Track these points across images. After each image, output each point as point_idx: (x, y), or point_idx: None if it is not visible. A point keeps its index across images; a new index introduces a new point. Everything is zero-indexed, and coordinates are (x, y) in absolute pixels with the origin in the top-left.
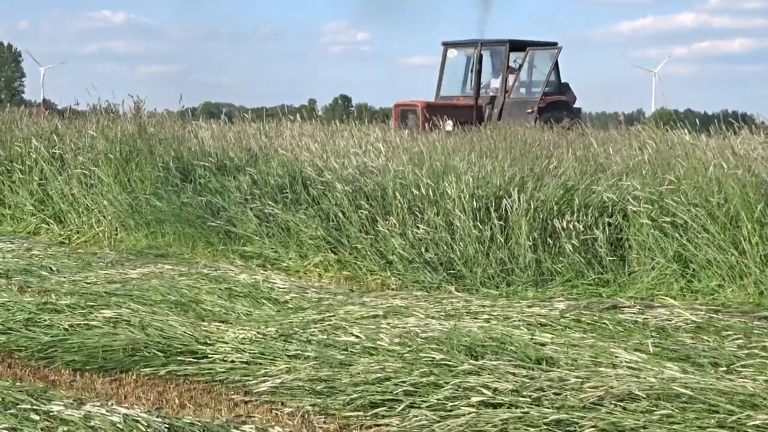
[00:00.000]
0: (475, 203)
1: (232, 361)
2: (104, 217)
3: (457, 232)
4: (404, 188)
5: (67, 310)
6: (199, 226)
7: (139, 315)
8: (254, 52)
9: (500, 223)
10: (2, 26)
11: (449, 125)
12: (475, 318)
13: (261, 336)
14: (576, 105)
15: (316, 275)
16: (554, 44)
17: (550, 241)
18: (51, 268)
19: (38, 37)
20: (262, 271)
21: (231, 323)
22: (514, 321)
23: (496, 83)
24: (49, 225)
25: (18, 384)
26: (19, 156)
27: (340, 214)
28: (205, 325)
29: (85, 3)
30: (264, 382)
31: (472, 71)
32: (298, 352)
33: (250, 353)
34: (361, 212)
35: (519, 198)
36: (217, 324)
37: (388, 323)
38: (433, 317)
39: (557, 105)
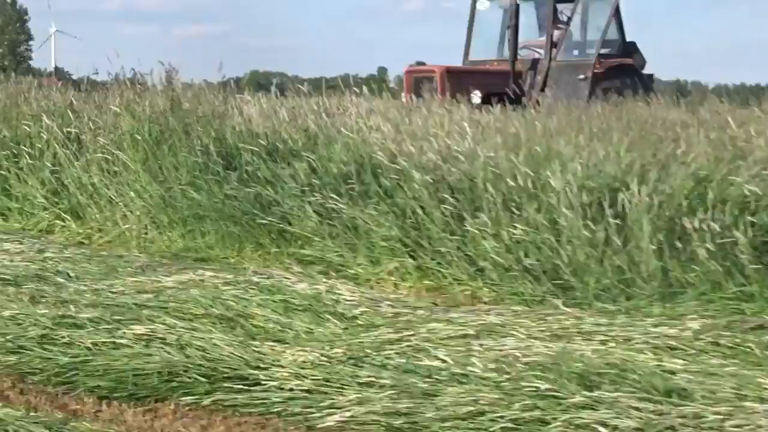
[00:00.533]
0: (584, 197)
1: (291, 390)
2: (131, 212)
3: (564, 233)
4: (497, 178)
5: (89, 326)
6: (246, 223)
7: (177, 332)
8: (312, 10)
9: (616, 222)
10: None
11: (476, 96)
12: (588, 339)
13: (325, 359)
14: (647, 70)
15: (391, 285)
16: None
17: (679, 245)
18: (68, 275)
19: None
20: (324, 280)
21: (288, 343)
22: (637, 343)
23: (538, 42)
24: (64, 221)
25: (33, 414)
26: (28, 137)
27: (419, 210)
28: (256, 344)
29: None
30: (330, 415)
31: (508, 27)
32: (371, 379)
33: (312, 380)
34: (445, 208)
35: (639, 191)
36: (272, 344)
37: (481, 345)
38: (536, 338)
39: (621, 70)
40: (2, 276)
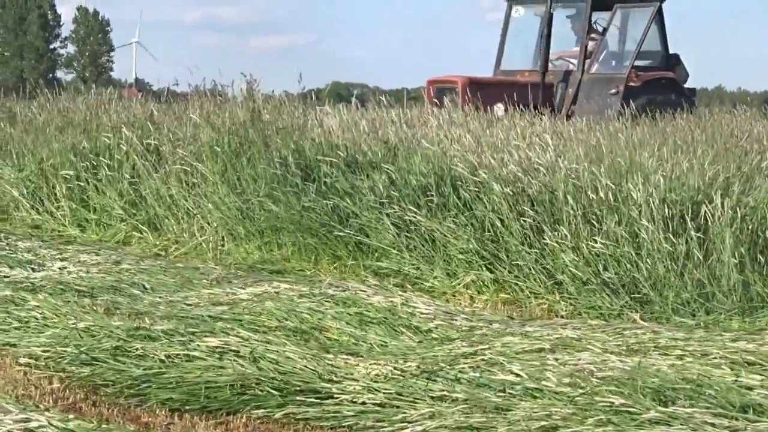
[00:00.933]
0: (666, 210)
1: (363, 403)
2: (209, 223)
3: (644, 247)
4: (578, 191)
5: (163, 338)
6: (323, 235)
7: (251, 344)
8: (394, 19)
9: (698, 235)
10: None
11: (500, 109)
12: (665, 354)
13: (399, 372)
14: (688, 84)
15: (467, 298)
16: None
17: (761, 258)
18: (144, 286)
19: (130, 2)
20: (400, 293)
21: (362, 356)
22: (715, 358)
23: (573, 53)
24: (141, 233)
25: (105, 426)
26: (107, 148)
27: (498, 223)
28: (330, 358)
29: None
30: (402, 429)
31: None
32: (445, 392)
33: (385, 393)
34: (524, 220)
35: (723, 204)
36: (345, 357)
37: (556, 359)
38: (612, 352)
39: (661, 84)
40: (78, 287)
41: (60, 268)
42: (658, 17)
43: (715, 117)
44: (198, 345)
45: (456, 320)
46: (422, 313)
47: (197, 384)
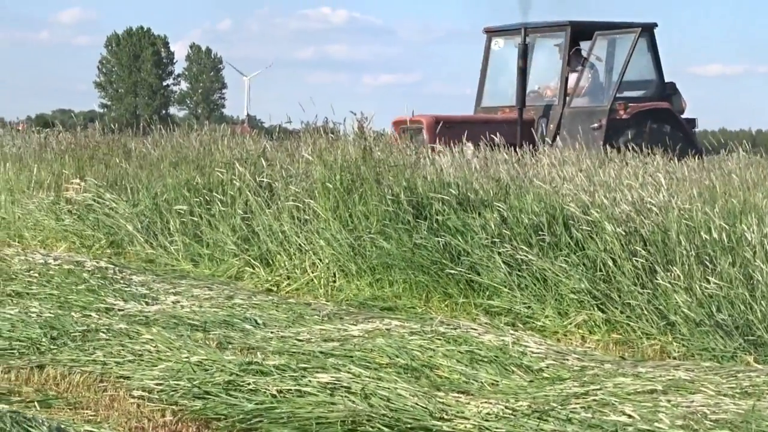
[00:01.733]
0: None
1: None
2: (320, 260)
3: (758, 288)
4: (691, 231)
5: (275, 373)
6: (434, 273)
7: (362, 381)
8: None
9: None
10: (200, 27)
11: (468, 149)
12: None
13: (509, 412)
14: (687, 114)
15: (578, 337)
16: (637, 26)
17: None
18: (256, 321)
19: (242, 40)
20: (511, 331)
21: (473, 394)
22: None
23: (552, 84)
24: (254, 268)
25: None
26: (220, 184)
27: (610, 262)
28: (441, 395)
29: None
30: None
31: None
32: None
33: None
34: (637, 260)
35: None
36: (456, 395)
37: (669, 401)
38: (725, 395)
39: (653, 115)
40: (191, 321)
41: (173, 302)
42: (651, 44)
43: None
44: (309, 380)
45: (567, 360)
46: (533, 352)
47: (308, 420)
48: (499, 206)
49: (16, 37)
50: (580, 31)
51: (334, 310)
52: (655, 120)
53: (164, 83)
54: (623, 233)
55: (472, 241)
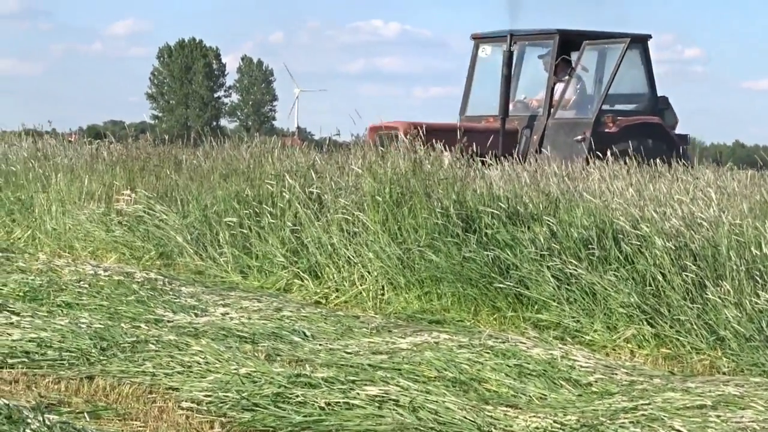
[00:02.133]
0: None
1: None
2: (369, 272)
3: None
4: (741, 246)
5: (323, 385)
6: (483, 286)
7: (410, 394)
8: None
9: None
10: (252, 39)
11: (446, 158)
12: None
13: (558, 426)
14: (679, 130)
15: (627, 352)
16: (627, 36)
17: None
18: (304, 334)
19: (293, 52)
20: (560, 345)
21: (521, 408)
22: None
23: (540, 95)
24: (302, 281)
25: None
26: (270, 196)
27: (660, 277)
28: (489, 409)
29: (352, 12)
30: None
31: (515, 75)
32: None
33: None
34: (686, 275)
35: None
36: (504, 409)
37: (718, 416)
38: None
39: (642, 130)
40: (240, 333)
41: (222, 314)
42: (644, 57)
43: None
44: (358, 393)
45: (616, 374)
46: (582, 366)
47: None
48: (548, 220)
49: (69, 48)
50: (570, 41)
51: (383, 322)
52: (645, 135)
53: (215, 95)
54: (673, 248)
55: (521, 255)
